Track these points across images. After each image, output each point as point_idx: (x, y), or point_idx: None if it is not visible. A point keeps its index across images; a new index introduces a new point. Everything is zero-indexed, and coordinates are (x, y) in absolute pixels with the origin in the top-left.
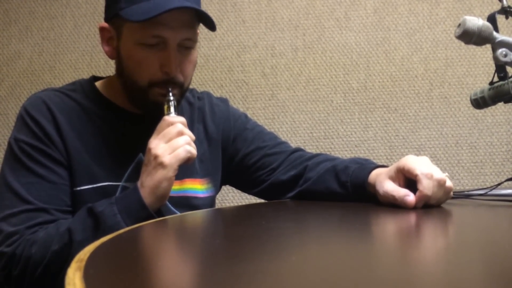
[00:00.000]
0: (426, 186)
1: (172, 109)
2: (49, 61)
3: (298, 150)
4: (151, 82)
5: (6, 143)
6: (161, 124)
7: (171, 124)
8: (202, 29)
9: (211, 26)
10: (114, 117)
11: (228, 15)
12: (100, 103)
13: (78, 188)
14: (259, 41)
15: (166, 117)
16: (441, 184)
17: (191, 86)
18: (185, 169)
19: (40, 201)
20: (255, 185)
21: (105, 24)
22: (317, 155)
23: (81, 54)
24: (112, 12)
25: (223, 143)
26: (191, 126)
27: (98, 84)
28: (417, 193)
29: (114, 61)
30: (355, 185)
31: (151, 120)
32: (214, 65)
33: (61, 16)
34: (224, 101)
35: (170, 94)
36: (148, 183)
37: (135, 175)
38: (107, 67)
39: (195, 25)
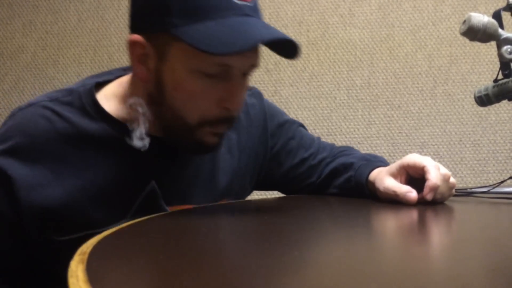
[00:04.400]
0: (434, 176)
1: None
2: (53, 56)
3: (329, 155)
4: (203, 120)
5: None
6: None
7: None
8: None
9: (292, 55)
10: (120, 138)
11: None
12: (102, 122)
13: (62, 238)
14: None
15: None
16: (446, 178)
17: None
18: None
19: None
20: (286, 190)
21: (139, 38)
22: (341, 152)
23: (84, 49)
24: (156, 26)
25: (262, 152)
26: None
27: (100, 95)
28: (426, 183)
29: (116, 58)
30: (358, 182)
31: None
32: None
33: (64, 11)
34: (256, 95)
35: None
36: None
37: (145, 207)
38: (110, 62)
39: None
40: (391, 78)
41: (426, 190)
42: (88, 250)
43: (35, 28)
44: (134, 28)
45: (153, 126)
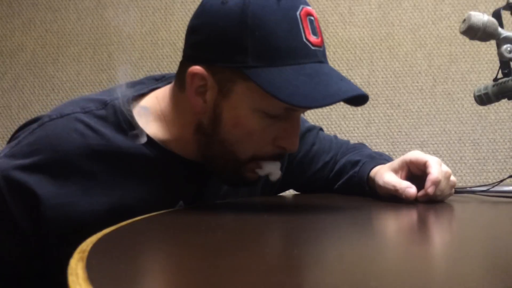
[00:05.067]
0: (436, 171)
1: None
2: (52, 54)
3: (340, 153)
4: (255, 156)
5: (9, 137)
6: None
7: None
8: None
9: (358, 104)
10: (152, 158)
11: None
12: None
13: None
14: None
15: None
16: (447, 176)
17: None
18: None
19: None
20: (303, 190)
21: (201, 70)
22: (350, 149)
23: (84, 47)
24: (225, 62)
25: (285, 162)
26: None
27: (136, 111)
28: (428, 177)
29: (117, 57)
30: (360, 179)
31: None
32: None
33: (64, 9)
34: None
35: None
36: None
37: None
38: (110, 60)
39: None
40: (390, 77)
41: (428, 183)
42: (88, 248)
43: (34, 26)
44: (194, 58)
45: (186, 151)
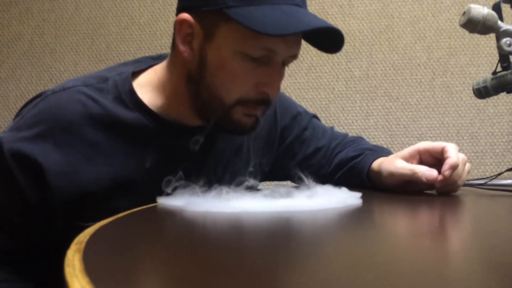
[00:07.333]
0: (455, 155)
1: None
2: (50, 44)
3: (339, 145)
4: (239, 100)
5: (6, 126)
6: None
7: None
8: None
9: (334, 48)
10: (152, 129)
11: None
12: (136, 111)
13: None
14: None
15: None
16: (463, 162)
17: None
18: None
19: None
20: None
21: (188, 17)
22: (350, 142)
23: (82, 37)
24: (208, 5)
25: (269, 151)
26: None
27: (135, 84)
28: (447, 160)
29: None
30: (360, 170)
31: (206, 134)
32: None
33: None
34: None
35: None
36: None
37: None
38: (108, 51)
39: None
40: (389, 69)
41: (445, 166)
42: (85, 239)
43: (32, 16)
44: (183, 8)
45: (185, 116)
